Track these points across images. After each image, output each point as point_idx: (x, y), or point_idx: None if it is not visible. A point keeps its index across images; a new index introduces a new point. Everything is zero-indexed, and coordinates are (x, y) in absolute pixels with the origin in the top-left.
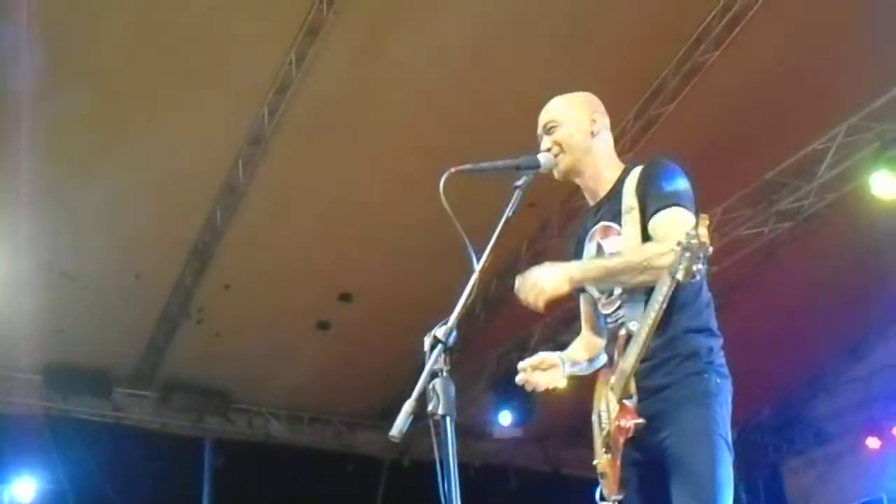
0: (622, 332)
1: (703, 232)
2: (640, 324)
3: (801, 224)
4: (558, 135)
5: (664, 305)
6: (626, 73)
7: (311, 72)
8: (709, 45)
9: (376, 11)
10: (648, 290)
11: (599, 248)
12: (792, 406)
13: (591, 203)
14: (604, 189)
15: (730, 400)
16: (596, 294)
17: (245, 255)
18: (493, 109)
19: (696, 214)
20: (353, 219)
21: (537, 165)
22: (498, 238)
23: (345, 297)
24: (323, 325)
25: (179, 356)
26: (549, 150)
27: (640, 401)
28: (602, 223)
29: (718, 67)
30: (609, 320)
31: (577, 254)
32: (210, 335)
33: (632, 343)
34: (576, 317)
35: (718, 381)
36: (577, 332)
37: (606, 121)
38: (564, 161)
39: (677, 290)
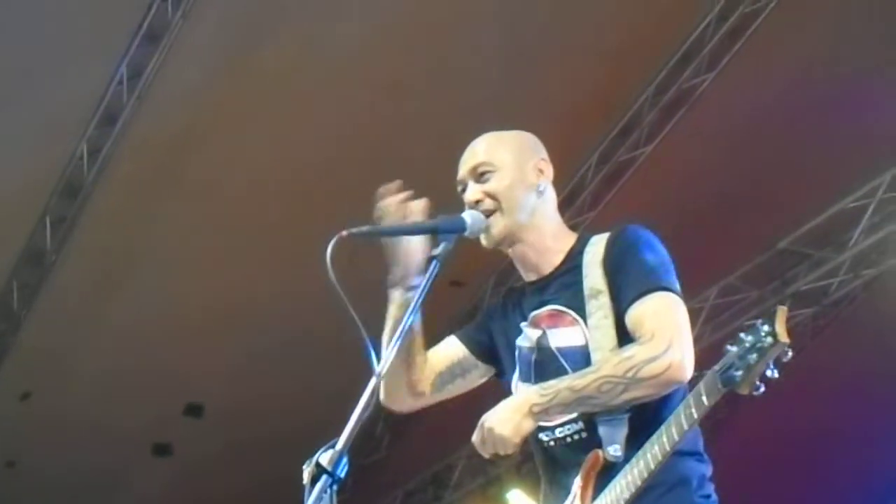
0: (592, 456)
1: (781, 328)
2: (641, 454)
3: (827, 311)
4: (493, 185)
5: (686, 434)
6: (585, 102)
7: (149, 95)
8: (700, 63)
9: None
10: (632, 406)
11: (544, 337)
12: None
13: (530, 279)
14: (549, 264)
15: None
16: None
17: (52, 352)
18: (400, 154)
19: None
20: (206, 301)
21: (462, 228)
22: (406, 331)
23: (192, 411)
24: (161, 450)
25: None
26: (477, 202)
27: None
28: (550, 307)
29: (714, 94)
30: (554, 433)
31: (502, 336)
32: None
33: (620, 480)
34: None
35: None
36: (513, 465)
37: (552, 171)
38: (501, 223)
39: (662, 400)
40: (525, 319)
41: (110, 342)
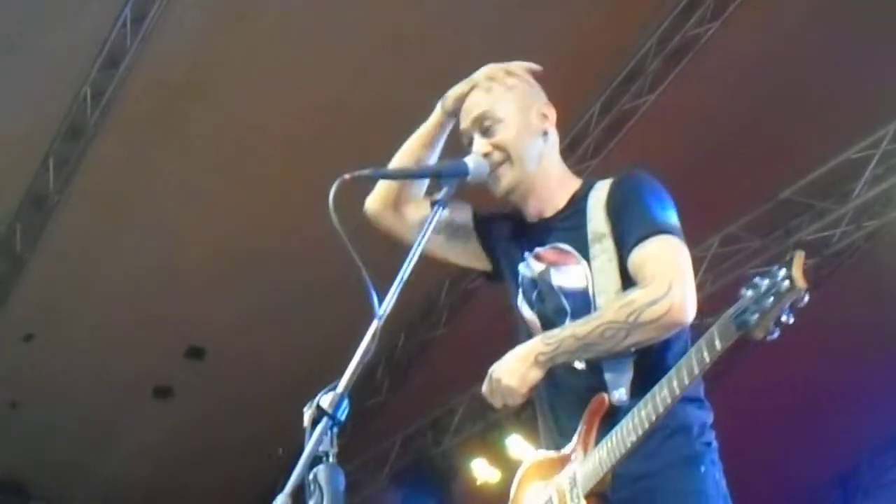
0: (597, 399)
1: (799, 273)
2: (649, 397)
3: (829, 261)
4: (501, 137)
5: (697, 377)
6: (587, 50)
7: (153, 38)
8: (705, 11)
9: None
10: (636, 350)
11: (546, 273)
12: None
13: (532, 221)
14: (553, 207)
15: None
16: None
17: (55, 294)
18: (402, 101)
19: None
20: (208, 246)
21: (465, 172)
22: (408, 274)
23: (194, 353)
24: (162, 392)
25: None
26: (486, 156)
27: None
28: (555, 244)
29: (718, 43)
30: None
31: (504, 255)
32: (1, 405)
33: (626, 423)
34: None
35: (717, 476)
36: (513, 411)
37: (555, 115)
38: (511, 175)
39: (664, 343)
40: (529, 251)
41: (113, 285)
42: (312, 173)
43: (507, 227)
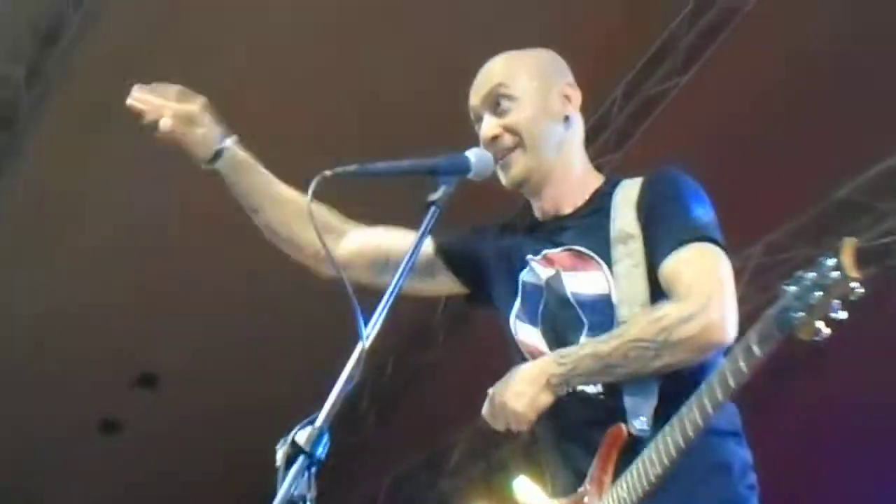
0: (613, 431)
1: (849, 260)
2: (676, 420)
3: (891, 271)
4: (514, 116)
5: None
6: (609, 25)
7: (96, 15)
8: None
9: None
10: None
11: (556, 279)
12: None
13: (545, 218)
14: (570, 203)
15: None
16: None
17: None
18: (401, 86)
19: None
20: (163, 258)
21: (466, 169)
22: (399, 289)
23: (146, 382)
24: (110, 426)
25: None
26: (494, 139)
27: None
28: (570, 247)
29: (760, 19)
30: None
31: (502, 262)
32: None
33: (648, 453)
34: None
35: None
36: (519, 447)
37: (580, 97)
38: (523, 163)
39: (699, 366)
40: (534, 254)
41: (49, 306)
42: (311, 173)
43: (504, 235)
